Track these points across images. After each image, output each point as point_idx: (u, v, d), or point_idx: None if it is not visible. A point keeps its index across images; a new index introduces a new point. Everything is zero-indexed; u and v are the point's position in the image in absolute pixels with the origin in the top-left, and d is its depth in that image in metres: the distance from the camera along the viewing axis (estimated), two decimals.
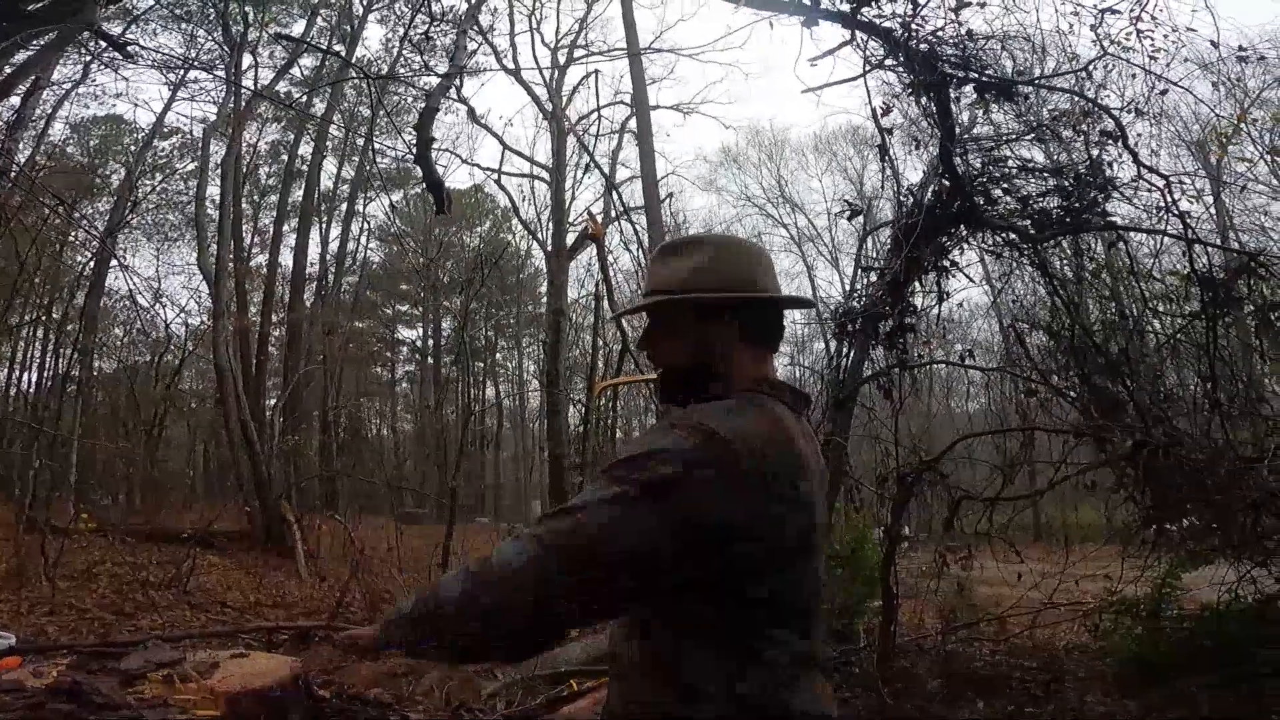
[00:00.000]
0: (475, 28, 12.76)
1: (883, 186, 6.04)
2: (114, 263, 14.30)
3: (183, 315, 18.44)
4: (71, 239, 14.93)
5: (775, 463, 1.18)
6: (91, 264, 16.17)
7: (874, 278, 5.69)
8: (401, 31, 17.44)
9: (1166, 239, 5.12)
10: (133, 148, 18.04)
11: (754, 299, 1.36)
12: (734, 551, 1.14)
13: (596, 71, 18.37)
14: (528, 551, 1.12)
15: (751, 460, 1.14)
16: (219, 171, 15.42)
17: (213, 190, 15.86)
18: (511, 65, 17.32)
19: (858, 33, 4.78)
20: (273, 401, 18.74)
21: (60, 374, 17.27)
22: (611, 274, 14.59)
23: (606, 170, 18.56)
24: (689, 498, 1.11)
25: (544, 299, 22.59)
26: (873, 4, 4.72)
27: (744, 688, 1.17)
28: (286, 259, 20.62)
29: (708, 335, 1.34)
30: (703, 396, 1.31)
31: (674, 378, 1.39)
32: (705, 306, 1.34)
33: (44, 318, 17.68)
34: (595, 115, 18.66)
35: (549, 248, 17.21)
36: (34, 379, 19.44)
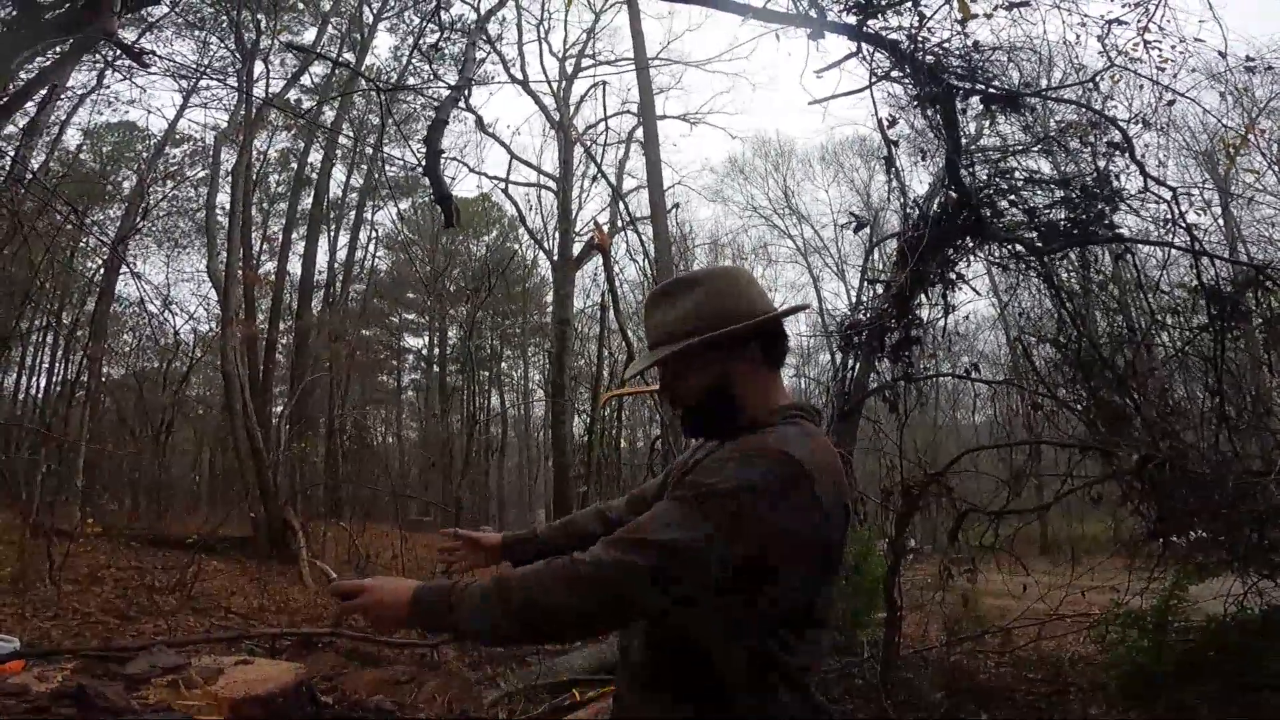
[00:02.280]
0: (484, 38, 12.87)
1: (889, 198, 6.05)
2: (124, 269, 14.45)
3: (191, 322, 18.58)
4: (83, 245, 15.06)
5: (835, 486, 1.25)
6: (102, 270, 16.28)
7: (880, 290, 5.70)
8: (411, 41, 17.69)
9: (1174, 251, 5.11)
10: (145, 154, 18.20)
11: (767, 321, 1.38)
12: (804, 569, 1.23)
13: (604, 83, 18.53)
14: (610, 577, 1.16)
15: (822, 485, 1.21)
16: (229, 179, 15.54)
17: (223, 197, 16.02)
18: (519, 75, 17.47)
19: (864, 45, 4.79)
20: (279, 408, 18.77)
21: (69, 379, 17.39)
22: (617, 284, 14.65)
23: (613, 180, 18.66)
24: (777, 527, 1.18)
25: (550, 308, 22.65)
26: (879, 16, 4.74)
27: (780, 694, 1.23)
28: (295, 266, 20.67)
29: (731, 367, 1.37)
30: (732, 425, 1.35)
31: (700, 415, 1.42)
32: (727, 338, 1.35)
33: (54, 323, 17.81)
34: (602, 125, 18.80)
35: (555, 257, 17.27)
36: (43, 384, 19.60)
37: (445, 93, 6.03)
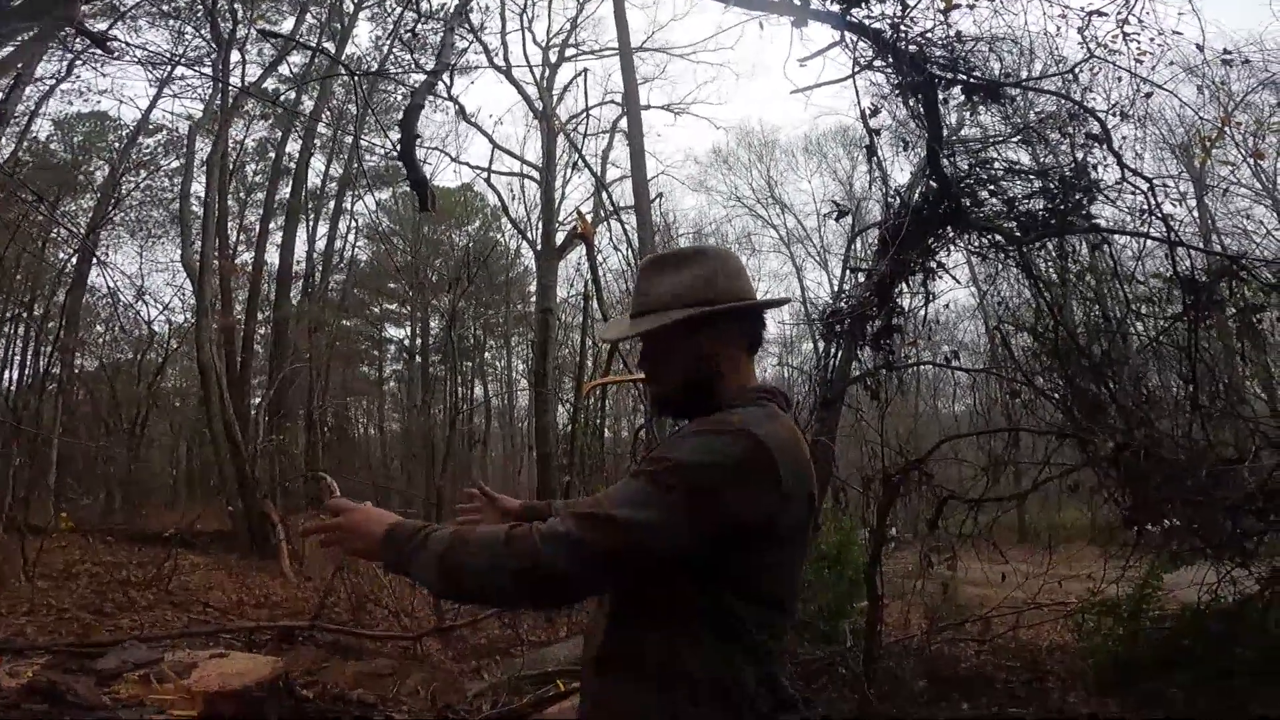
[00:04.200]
0: (465, 25, 12.73)
1: (871, 187, 6.07)
2: (95, 260, 14.18)
3: (166, 313, 18.28)
4: (53, 235, 14.76)
5: (798, 468, 1.25)
6: (73, 261, 15.98)
7: (861, 278, 5.70)
8: (391, 29, 17.45)
9: (1150, 242, 5.14)
10: (117, 144, 17.82)
11: (754, 306, 1.40)
12: (761, 550, 1.22)
13: (585, 71, 18.41)
14: (565, 552, 1.14)
15: (784, 467, 1.21)
16: (204, 168, 15.27)
17: (197, 187, 15.74)
18: (502, 63, 17.27)
19: (847, 33, 4.78)
20: (258, 400, 18.56)
21: (41, 372, 17.04)
22: (601, 273, 14.60)
23: (596, 169, 18.56)
24: (735, 504, 1.18)
25: (533, 298, 22.52)
26: (862, 5, 4.73)
27: (750, 677, 1.23)
28: (273, 256, 20.39)
29: (714, 348, 1.37)
30: (707, 407, 1.33)
31: (678, 392, 1.40)
32: (713, 319, 1.35)
33: (24, 315, 17.46)
34: (585, 114, 18.67)
35: (538, 247, 17.15)
36: (14, 377, 19.22)
37: (422, 81, 5.94)
